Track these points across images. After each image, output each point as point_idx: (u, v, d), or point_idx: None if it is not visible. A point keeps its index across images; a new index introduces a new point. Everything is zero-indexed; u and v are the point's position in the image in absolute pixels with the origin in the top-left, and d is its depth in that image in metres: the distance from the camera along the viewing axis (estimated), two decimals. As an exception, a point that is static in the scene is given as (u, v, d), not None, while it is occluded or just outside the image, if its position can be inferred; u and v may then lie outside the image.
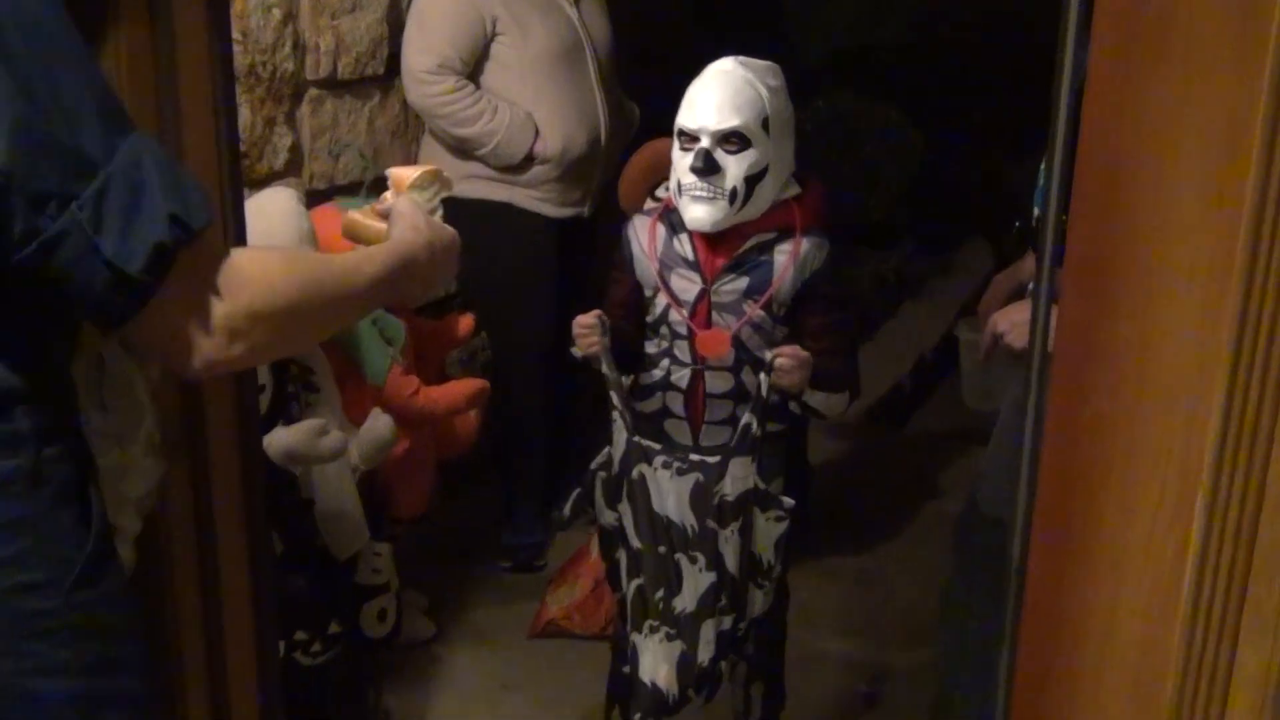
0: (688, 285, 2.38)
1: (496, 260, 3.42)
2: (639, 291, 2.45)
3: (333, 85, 3.24)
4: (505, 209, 3.44)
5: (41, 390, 1.27)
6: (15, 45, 1.12)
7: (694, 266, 2.38)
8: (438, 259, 1.56)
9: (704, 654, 2.31)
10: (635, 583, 2.34)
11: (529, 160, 3.38)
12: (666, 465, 2.31)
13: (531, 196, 3.45)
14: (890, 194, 5.75)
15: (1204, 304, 1.04)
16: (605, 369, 2.31)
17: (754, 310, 2.35)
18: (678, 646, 2.31)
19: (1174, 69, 1.02)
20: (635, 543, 2.33)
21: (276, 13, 3.00)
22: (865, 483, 4.36)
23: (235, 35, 2.81)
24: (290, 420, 2.63)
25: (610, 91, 3.53)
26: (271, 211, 2.63)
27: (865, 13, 5.86)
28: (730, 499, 2.28)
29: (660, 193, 2.50)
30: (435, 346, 3.32)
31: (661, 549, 2.30)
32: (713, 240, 2.36)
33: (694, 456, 2.33)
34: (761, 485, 2.30)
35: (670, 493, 2.30)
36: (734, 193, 2.28)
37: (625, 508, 2.34)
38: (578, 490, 2.43)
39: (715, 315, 2.38)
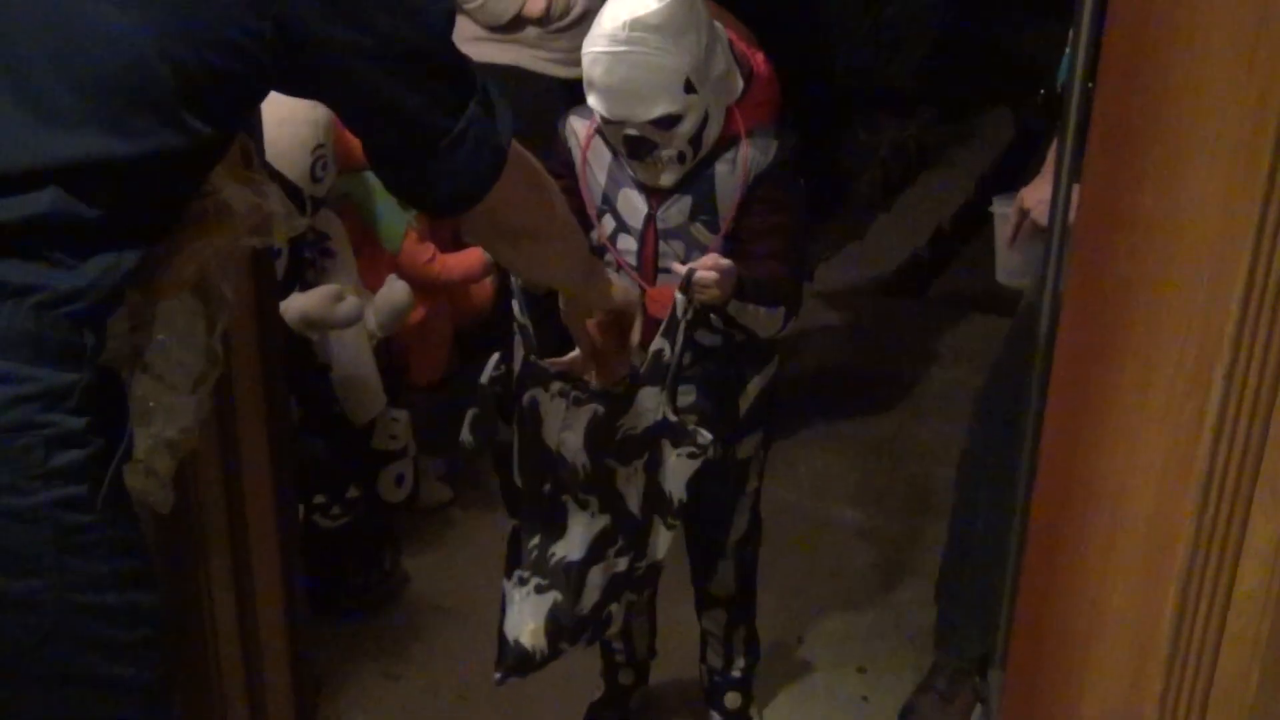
0: (634, 209, 2.14)
1: None
2: (581, 202, 2.15)
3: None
4: (513, 72, 3.36)
5: (105, 314, 1.30)
6: None
7: (640, 187, 2.13)
8: (603, 292, 1.92)
9: (587, 600, 2.09)
10: (512, 523, 2.13)
11: (521, 20, 3.28)
12: (563, 394, 2.01)
13: (538, 57, 3.36)
14: (911, 60, 5.65)
15: (1232, 172, 1.02)
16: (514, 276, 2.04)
17: (716, 242, 2.10)
18: (549, 599, 2.07)
19: (1210, -73, 1.00)
20: (517, 479, 2.08)
21: None
22: (880, 352, 4.36)
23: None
24: (306, 286, 2.64)
25: None
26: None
27: None
28: (635, 433, 2.02)
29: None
30: (450, 213, 3.31)
31: (546, 488, 2.05)
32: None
33: (594, 386, 2.02)
34: (673, 417, 2.02)
35: (564, 425, 2.02)
36: (681, 155, 2.05)
37: (514, 435, 2.07)
38: (473, 411, 2.08)
39: (662, 244, 2.13)
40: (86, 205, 1.23)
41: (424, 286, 2.96)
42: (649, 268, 2.16)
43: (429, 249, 2.97)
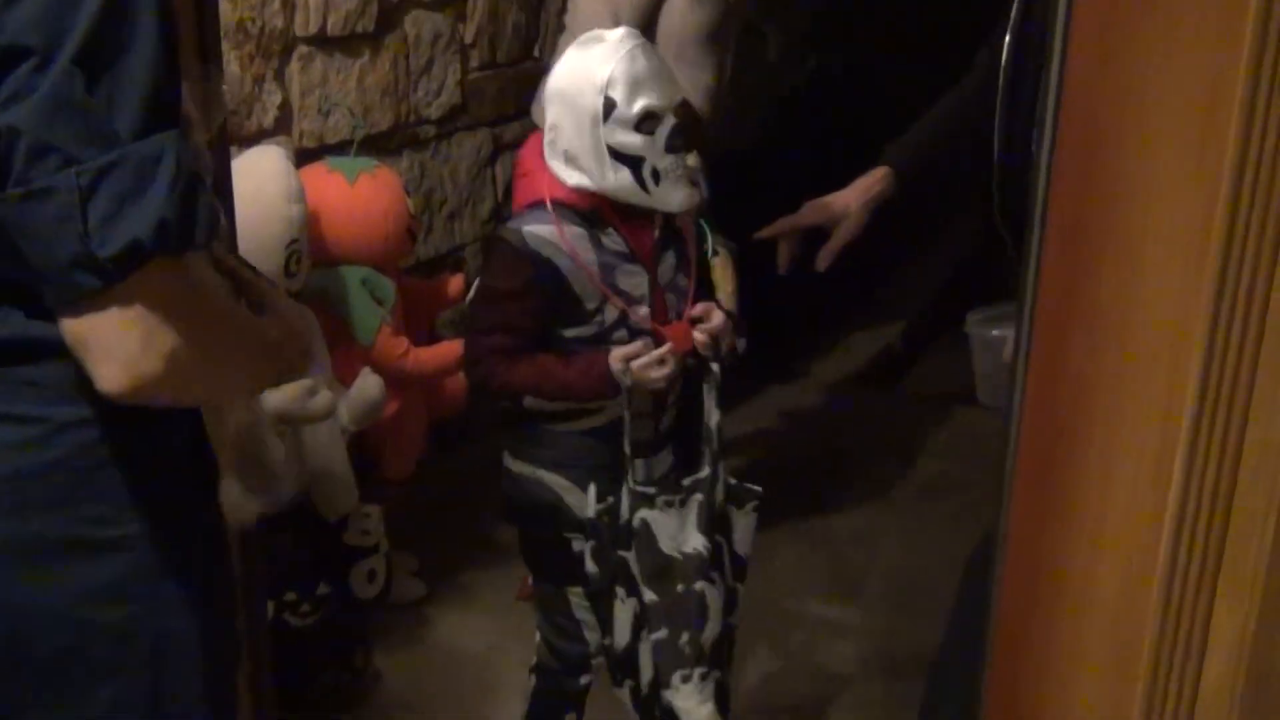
0: (637, 281, 2.19)
1: None
2: (551, 317, 2.18)
3: (322, 41, 3.23)
4: None
5: None
6: (109, 3, 1.12)
7: (633, 259, 2.19)
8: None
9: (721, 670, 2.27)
10: (655, 637, 2.20)
11: None
12: (669, 504, 2.18)
13: None
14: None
15: (1184, 266, 1.04)
16: (634, 410, 2.18)
17: (691, 286, 2.25)
18: (713, 680, 2.22)
19: (1156, 30, 1.02)
20: (648, 595, 2.18)
21: (265, -30, 2.98)
22: (855, 444, 4.37)
23: (223, -8, 2.79)
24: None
25: None
26: (260, 170, 2.62)
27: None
28: (718, 505, 2.22)
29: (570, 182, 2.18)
30: (426, 307, 3.32)
31: (679, 588, 2.17)
32: (634, 225, 2.19)
33: (685, 481, 2.20)
34: (733, 480, 2.24)
35: (680, 527, 2.18)
36: (693, 173, 2.19)
37: (631, 558, 2.18)
38: (591, 543, 2.21)
39: (667, 295, 2.23)
40: None
41: (397, 380, 2.96)
42: (661, 319, 2.23)
43: (403, 343, 2.98)
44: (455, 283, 3.36)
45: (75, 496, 1.28)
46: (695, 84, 3.40)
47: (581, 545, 2.24)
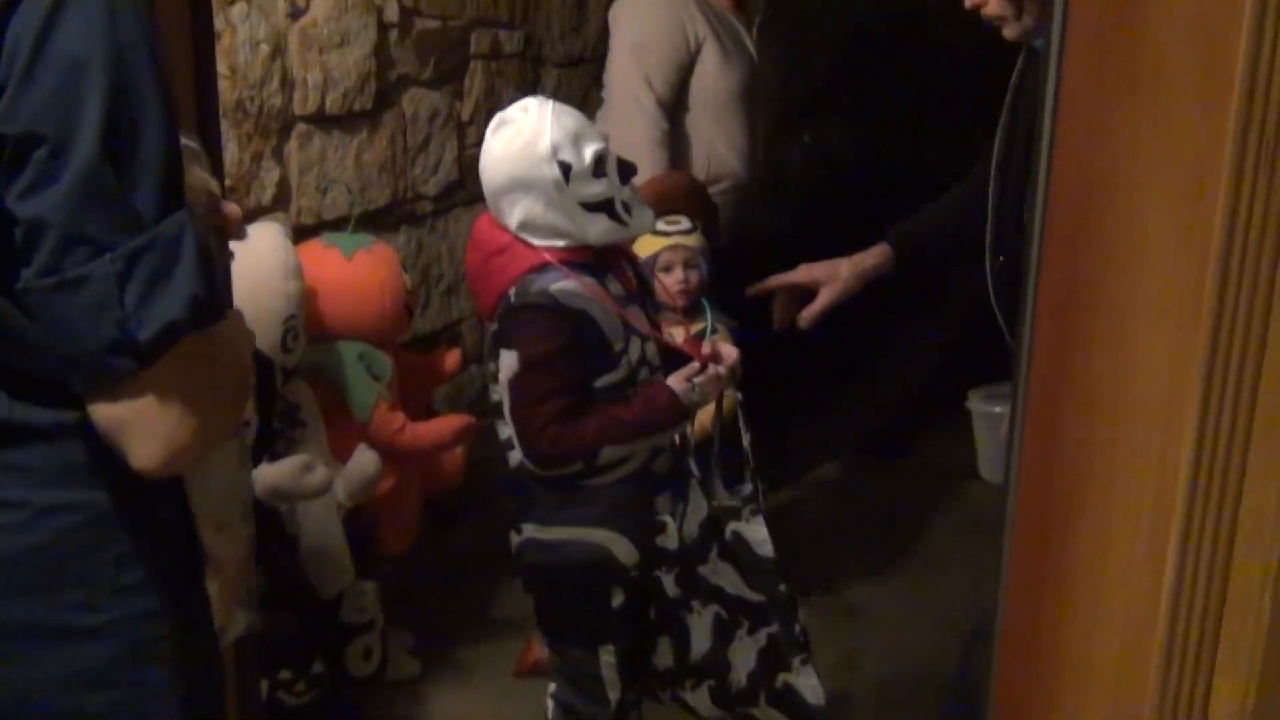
0: (641, 318, 2.27)
1: None
2: (587, 370, 2.21)
3: (320, 120, 3.25)
4: None
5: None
6: (116, 87, 1.14)
7: (631, 299, 2.28)
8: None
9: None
10: (768, 631, 2.32)
11: None
12: (754, 511, 2.32)
13: None
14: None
15: (1175, 336, 1.04)
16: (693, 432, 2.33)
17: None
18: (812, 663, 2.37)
19: (1143, 105, 1.04)
20: (754, 596, 2.31)
21: (265, 48, 3.01)
22: (853, 515, 4.35)
23: (223, 70, 2.82)
24: (275, 457, 2.63)
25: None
26: (258, 247, 2.63)
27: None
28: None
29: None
30: (422, 382, 3.32)
31: (782, 587, 2.32)
32: (614, 264, 2.28)
33: (745, 493, 2.36)
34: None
35: (765, 533, 2.31)
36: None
37: (725, 568, 2.30)
38: (677, 570, 2.31)
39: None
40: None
41: (394, 455, 2.95)
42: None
43: (399, 418, 2.98)
44: (452, 358, 3.36)
45: (57, 583, 1.27)
46: (731, 146, 3.42)
47: (621, 598, 2.28)
